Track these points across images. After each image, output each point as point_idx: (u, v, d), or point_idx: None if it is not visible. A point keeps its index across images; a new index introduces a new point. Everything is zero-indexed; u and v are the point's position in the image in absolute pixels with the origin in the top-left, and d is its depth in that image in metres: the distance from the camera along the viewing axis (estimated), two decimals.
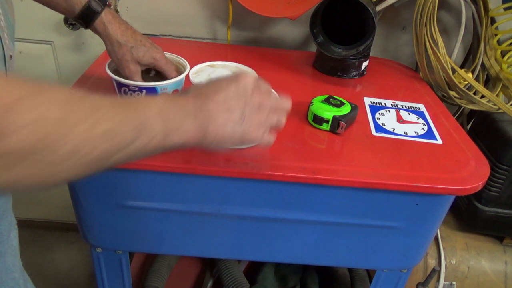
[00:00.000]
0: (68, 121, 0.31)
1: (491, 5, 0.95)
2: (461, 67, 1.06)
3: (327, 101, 0.70)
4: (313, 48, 1.07)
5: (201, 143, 0.43)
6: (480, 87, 0.91)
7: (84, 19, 0.62)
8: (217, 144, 0.44)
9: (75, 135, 0.31)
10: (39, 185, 0.32)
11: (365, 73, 0.95)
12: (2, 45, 0.43)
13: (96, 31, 0.64)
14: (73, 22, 1.01)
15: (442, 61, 0.89)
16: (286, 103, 0.51)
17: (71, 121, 0.31)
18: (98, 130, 0.32)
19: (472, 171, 0.63)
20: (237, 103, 0.44)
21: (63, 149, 0.30)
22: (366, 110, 0.78)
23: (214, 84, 0.45)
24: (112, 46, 0.64)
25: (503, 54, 0.97)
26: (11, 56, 0.45)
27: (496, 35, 0.96)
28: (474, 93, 0.91)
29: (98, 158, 0.33)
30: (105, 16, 0.63)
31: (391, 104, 0.81)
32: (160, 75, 0.71)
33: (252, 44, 1.11)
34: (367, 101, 0.81)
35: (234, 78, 0.46)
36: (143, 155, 0.37)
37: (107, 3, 0.64)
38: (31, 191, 0.33)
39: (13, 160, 0.28)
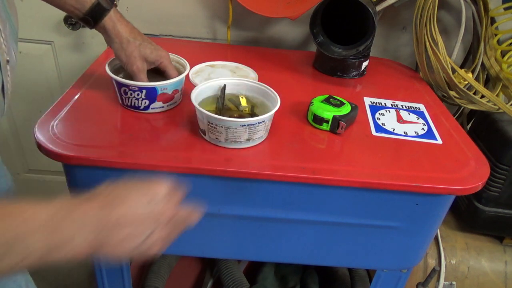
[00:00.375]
0: None
1: (491, 5, 0.95)
2: (461, 67, 1.06)
3: (327, 101, 0.70)
4: (313, 48, 1.07)
5: (93, 255, 0.38)
6: (480, 87, 0.91)
7: (93, 16, 0.62)
8: (112, 257, 0.40)
9: None
10: None
11: (365, 73, 0.95)
12: None
13: (104, 29, 0.64)
14: (73, 22, 1.01)
15: (442, 61, 0.89)
16: (195, 216, 0.47)
17: None
18: None
19: (472, 171, 0.63)
20: (146, 217, 0.40)
21: None
22: (366, 110, 0.78)
23: (124, 192, 0.41)
24: (121, 43, 0.65)
25: (503, 54, 0.97)
26: (8, 61, 0.45)
27: (496, 35, 0.96)
28: (474, 93, 0.91)
29: None
30: (114, 14, 0.63)
31: (391, 104, 0.81)
32: (161, 76, 0.71)
33: (252, 44, 1.11)
34: (367, 101, 0.81)
35: (146, 187, 0.42)
36: (17, 271, 0.33)
37: (114, 2, 0.64)
38: None
39: None
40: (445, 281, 0.94)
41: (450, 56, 0.94)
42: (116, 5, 0.65)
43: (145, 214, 0.40)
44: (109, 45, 0.67)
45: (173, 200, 0.44)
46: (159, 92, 0.67)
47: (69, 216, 0.35)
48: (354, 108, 0.71)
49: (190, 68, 0.77)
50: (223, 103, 0.67)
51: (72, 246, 0.35)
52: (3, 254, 0.31)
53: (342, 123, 0.67)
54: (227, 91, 0.69)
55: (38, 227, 0.33)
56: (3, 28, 0.43)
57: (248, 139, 0.61)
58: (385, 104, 0.81)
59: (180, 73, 0.71)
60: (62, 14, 1.02)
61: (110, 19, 0.63)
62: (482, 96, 0.92)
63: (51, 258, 0.34)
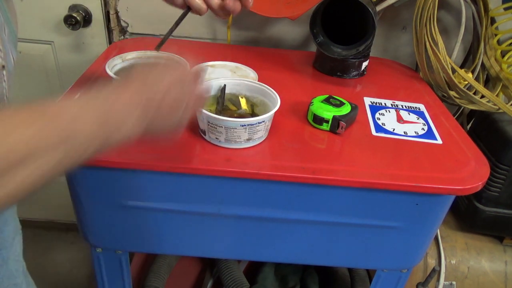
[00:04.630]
0: None
1: (491, 5, 0.95)
2: (461, 67, 1.06)
3: (327, 101, 0.70)
4: (313, 48, 1.07)
5: (144, 135, 0.41)
6: (480, 87, 0.91)
7: None
8: (157, 134, 0.44)
9: None
10: None
11: (365, 73, 0.95)
12: None
13: None
14: (73, 22, 1.01)
15: (442, 61, 0.89)
16: (206, 93, 0.51)
17: None
18: (18, 157, 0.29)
19: (472, 171, 0.63)
20: (182, 93, 0.44)
21: None
22: (366, 110, 0.78)
23: (159, 71, 0.44)
24: None
25: (503, 54, 0.97)
26: (3, 67, 0.43)
27: (496, 35, 0.96)
28: (474, 93, 0.91)
29: (28, 181, 0.30)
30: None
31: (391, 104, 0.81)
32: None
33: (252, 44, 1.11)
34: (367, 101, 0.81)
35: (176, 66, 0.46)
36: (80, 162, 0.35)
37: None
38: None
39: None
40: (445, 281, 0.94)
41: (450, 56, 0.94)
42: None
43: (180, 92, 0.44)
44: None
45: (196, 83, 0.47)
46: None
47: (115, 105, 0.37)
48: (354, 108, 0.71)
49: (190, 68, 0.77)
50: (223, 103, 0.67)
51: (125, 129, 0.38)
52: (65, 152, 0.32)
53: (342, 123, 0.67)
54: (227, 91, 0.69)
55: (89, 123, 0.34)
56: (0, 32, 0.43)
57: (248, 139, 0.61)
58: (385, 104, 0.81)
59: None
60: (62, 14, 1.02)
61: None
62: (482, 96, 0.92)
63: (108, 144, 0.36)
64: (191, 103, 0.46)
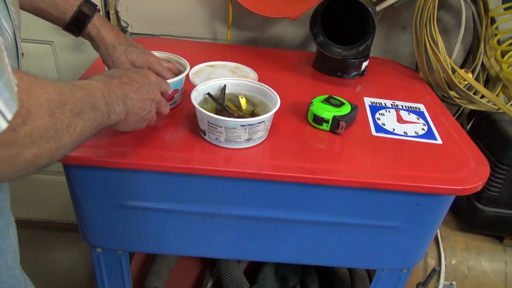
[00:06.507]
0: (62, 101, 0.37)
1: (491, 5, 0.95)
2: (461, 67, 1.06)
3: (327, 101, 0.70)
4: (313, 48, 1.07)
5: (121, 124, 0.51)
6: (480, 87, 0.91)
7: (76, 24, 0.62)
8: (127, 126, 0.53)
9: (67, 115, 0.37)
10: (51, 161, 0.37)
11: (365, 73, 0.95)
12: (16, 43, 0.43)
13: (89, 36, 0.64)
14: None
15: (442, 61, 0.89)
16: (167, 109, 0.61)
17: (64, 101, 0.37)
18: (78, 109, 0.39)
19: (472, 171, 0.63)
20: (148, 97, 0.54)
21: (63, 125, 0.36)
22: (366, 110, 0.78)
23: (131, 75, 0.53)
24: (107, 49, 0.64)
25: (503, 54, 0.97)
26: (22, 54, 0.46)
27: (496, 35, 0.96)
28: (474, 93, 0.91)
29: (82, 133, 0.40)
30: (98, 20, 0.63)
31: (391, 104, 0.81)
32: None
33: (252, 44, 1.11)
34: (367, 101, 0.81)
35: (143, 73, 0.56)
36: (97, 130, 0.45)
37: (97, 8, 0.63)
38: (40, 171, 0.38)
39: (36, 137, 0.33)
40: (445, 281, 0.94)
41: (450, 56, 0.94)
42: (99, 10, 0.64)
43: (147, 95, 0.54)
44: (96, 51, 0.66)
45: (160, 85, 0.58)
46: None
47: (110, 92, 0.47)
48: (354, 108, 0.71)
49: (190, 68, 0.77)
50: (223, 103, 0.67)
51: (116, 113, 0.48)
52: (94, 115, 0.43)
53: (342, 123, 0.67)
54: (227, 91, 0.69)
55: (101, 98, 0.45)
56: (17, 24, 0.44)
57: (248, 139, 0.61)
58: (385, 104, 0.81)
59: (180, 73, 0.71)
60: None
61: (93, 26, 0.63)
62: (482, 96, 0.92)
63: (109, 121, 0.47)
64: (153, 109, 0.56)
